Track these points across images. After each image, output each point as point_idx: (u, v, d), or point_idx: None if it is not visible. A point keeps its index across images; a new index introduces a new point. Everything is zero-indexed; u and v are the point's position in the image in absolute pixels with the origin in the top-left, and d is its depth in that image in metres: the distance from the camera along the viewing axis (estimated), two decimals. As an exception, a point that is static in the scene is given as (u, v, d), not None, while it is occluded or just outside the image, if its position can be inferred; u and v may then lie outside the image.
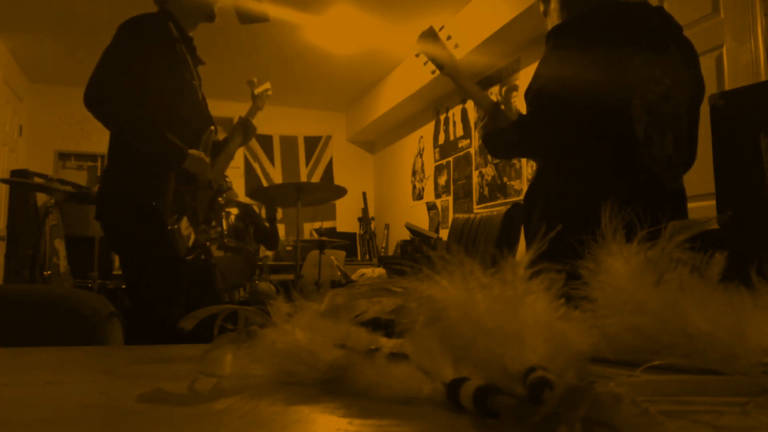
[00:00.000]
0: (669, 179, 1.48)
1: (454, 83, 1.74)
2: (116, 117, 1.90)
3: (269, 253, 6.06)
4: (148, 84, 1.90)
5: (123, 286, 3.69)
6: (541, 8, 1.65)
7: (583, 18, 1.47)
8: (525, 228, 1.64)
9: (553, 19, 1.58)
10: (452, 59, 1.74)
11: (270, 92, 2.46)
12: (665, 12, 1.53)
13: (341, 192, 3.45)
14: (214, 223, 2.78)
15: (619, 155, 1.43)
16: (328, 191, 3.77)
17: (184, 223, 1.97)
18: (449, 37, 1.77)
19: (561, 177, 1.49)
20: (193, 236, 2.00)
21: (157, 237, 1.91)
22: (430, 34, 1.76)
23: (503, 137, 1.60)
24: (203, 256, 2.21)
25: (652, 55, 1.43)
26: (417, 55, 1.79)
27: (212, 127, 2.14)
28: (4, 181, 4.52)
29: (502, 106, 1.71)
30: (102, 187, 2.01)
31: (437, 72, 1.77)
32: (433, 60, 1.75)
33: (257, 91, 2.42)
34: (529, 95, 1.50)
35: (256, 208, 4.10)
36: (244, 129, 2.32)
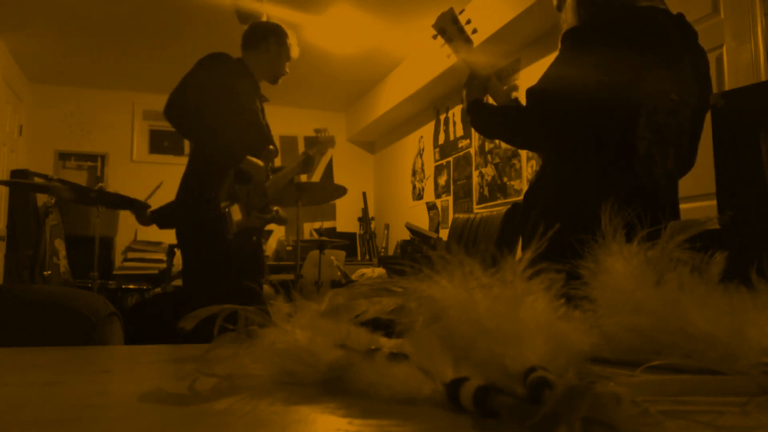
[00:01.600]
0: (666, 195, 1.48)
1: (470, 70, 1.70)
2: (185, 125, 2.40)
3: (269, 253, 6.07)
4: (214, 102, 2.36)
5: (123, 286, 3.69)
6: (555, 1, 1.61)
7: (601, 24, 1.43)
8: (522, 228, 1.63)
9: (568, 15, 1.54)
10: (469, 45, 1.70)
11: (332, 145, 3.04)
12: (684, 20, 1.50)
13: (341, 191, 3.49)
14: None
15: (619, 167, 1.42)
16: (328, 191, 3.80)
17: (235, 209, 2.40)
18: (468, 21, 1.73)
19: (559, 180, 1.48)
20: (241, 222, 2.41)
21: (212, 221, 2.36)
22: (450, 17, 1.71)
23: (493, 115, 1.58)
24: (252, 245, 2.50)
25: (664, 69, 1.41)
26: (434, 37, 1.73)
27: (271, 147, 2.60)
28: (5, 183, 4.51)
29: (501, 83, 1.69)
30: (180, 188, 2.49)
31: (453, 56, 1.73)
32: (449, 43, 1.70)
33: (321, 137, 2.97)
34: (532, 92, 1.47)
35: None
36: (305, 163, 2.83)
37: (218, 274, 2.35)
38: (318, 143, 2.99)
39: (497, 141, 4.85)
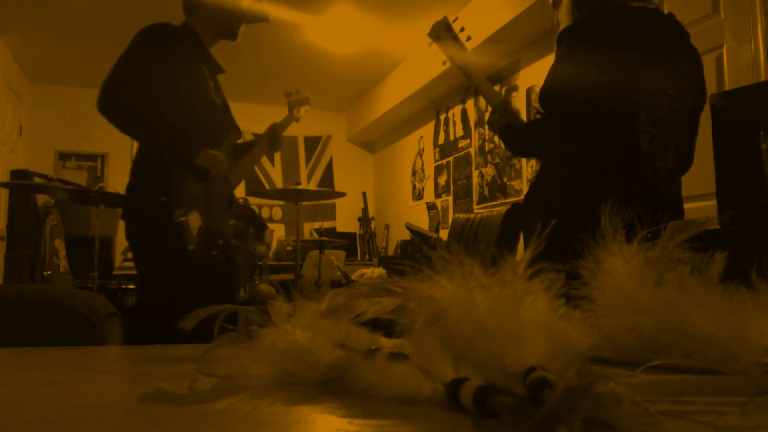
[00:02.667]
0: (669, 191, 1.49)
1: (464, 75, 1.74)
2: (125, 119, 2.00)
3: (269, 254, 6.07)
4: (158, 87, 1.99)
5: (123, 286, 3.69)
6: (551, 0, 1.64)
7: (597, 22, 1.46)
8: (524, 229, 1.64)
9: (563, 15, 1.57)
10: (464, 51, 1.74)
11: (308, 104, 2.54)
12: (675, 20, 1.52)
13: (340, 194, 3.50)
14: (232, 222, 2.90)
15: (621, 165, 1.43)
16: (327, 193, 3.80)
17: (194, 216, 2.01)
18: (462, 29, 1.76)
19: (564, 181, 1.49)
20: (203, 227, 2.03)
21: (165, 229, 1.96)
22: (444, 25, 1.76)
23: (521, 136, 1.61)
24: (215, 252, 2.14)
25: (662, 66, 1.43)
26: (430, 44, 1.78)
27: (234, 131, 2.24)
28: (5, 185, 4.52)
29: (512, 100, 1.76)
30: (127, 188, 2.12)
31: (448, 63, 1.77)
32: (445, 51, 1.75)
33: (292, 100, 2.50)
34: (541, 96, 1.50)
35: (255, 209, 4.13)
36: (270, 137, 2.37)
37: (175, 289, 1.99)
38: (290, 112, 2.54)
39: (497, 141, 4.86)
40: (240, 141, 2.34)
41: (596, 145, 1.44)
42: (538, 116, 1.55)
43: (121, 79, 1.96)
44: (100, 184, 5.66)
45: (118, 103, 1.97)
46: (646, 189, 1.43)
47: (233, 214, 2.26)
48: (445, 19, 1.77)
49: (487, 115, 5.13)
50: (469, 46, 1.78)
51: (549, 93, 1.47)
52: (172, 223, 1.94)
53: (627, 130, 1.41)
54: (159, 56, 2.00)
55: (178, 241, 1.95)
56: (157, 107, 1.99)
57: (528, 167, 4.42)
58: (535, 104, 4.31)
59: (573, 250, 0.49)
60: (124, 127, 2.03)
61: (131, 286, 3.72)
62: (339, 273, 4.55)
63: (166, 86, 1.99)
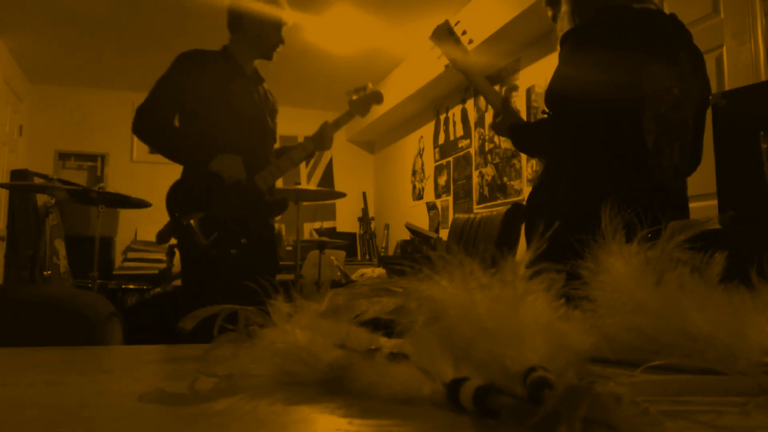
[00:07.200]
0: (676, 189, 1.48)
1: (466, 78, 1.77)
2: (154, 141, 2.26)
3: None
4: (185, 107, 2.23)
5: (123, 286, 3.69)
6: (549, 13, 1.64)
7: (602, 23, 1.46)
8: (527, 232, 1.64)
9: (564, 23, 1.57)
10: (466, 54, 1.76)
11: (369, 97, 2.50)
12: (677, 20, 1.53)
13: (340, 194, 3.49)
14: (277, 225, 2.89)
15: (628, 164, 1.43)
16: (327, 193, 3.79)
17: (201, 218, 2.12)
18: (464, 32, 1.79)
19: (569, 181, 1.48)
20: (217, 228, 2.12)
21: (182, 235, 2.16)
22: (446, 28, 1.79)
23: (531, 136, 1.63)
24: (234, 251, 2.17)
25: (665, 65, 1.43)
26: (432, 48, 1.81)
27: (266, 136, 2.40)
28: (5, 185, 4.51)
29: (513, 99, 1.78)
30: None
31: (450, 65, 1.80)
32: (447, 54, 1.78)
33: (354, 97, 2.51)
34: (547, 97, 1.51)
35: None
36: (317, 136, 2.42)
37: (204, 290, 2.15)
38: (353, 105, 2.49)
39: (497, 141, 4.86)
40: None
41: (602, 145, 1.44)
42: (544, 116, 1.55)
43: (151, 104, 2.19)
44: (100, 184, 5.64)
45: (147, 126, 2.21)
46: (653, 187, 1.43)
47: (269, 211, 2.36)
48: (446, 22, 1.80)
49: (487, 116, 5.13)
50: (470, 48, 1.80)
51: (555, 94, 1.47)
52: (179, 226, 2.11)
53: (632, 129, 1.41)
54: (187, 79, 2.22)
55: (194, 244, 2.10)
56: (182, 125, 2.23)
57: (528, 167, 4.42)
58: (535, 104, 4.31)
59: (576, 250, 0.49)
60: (153, 147, 2.28)
61: (131, 286, 3.72)
62: (339, 273, 4.55)
63: (193, 105, 2.21)
